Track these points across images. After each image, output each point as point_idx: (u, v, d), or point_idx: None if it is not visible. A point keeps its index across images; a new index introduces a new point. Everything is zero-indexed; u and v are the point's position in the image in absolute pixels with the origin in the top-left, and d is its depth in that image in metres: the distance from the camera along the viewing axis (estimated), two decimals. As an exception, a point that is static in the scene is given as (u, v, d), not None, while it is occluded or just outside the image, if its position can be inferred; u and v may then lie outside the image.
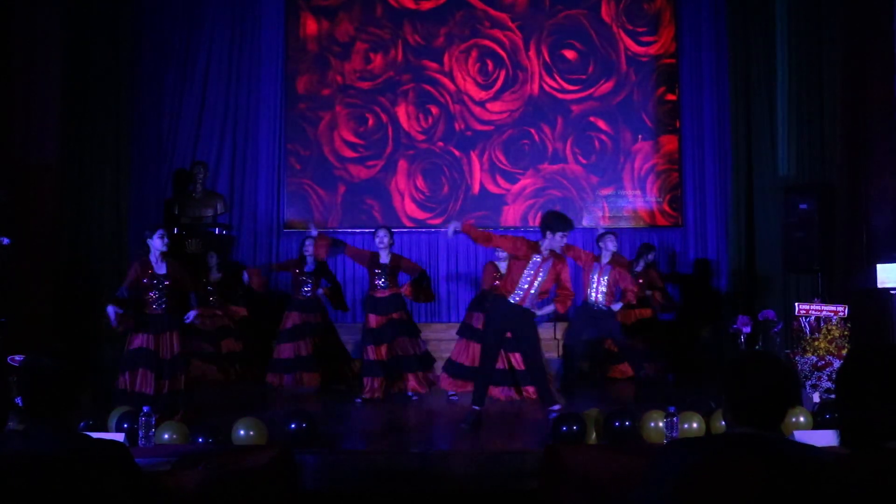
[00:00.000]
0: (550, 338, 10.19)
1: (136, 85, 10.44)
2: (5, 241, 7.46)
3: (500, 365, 8.14)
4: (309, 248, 9.30)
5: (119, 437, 4.95)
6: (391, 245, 8.58)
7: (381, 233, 8.53)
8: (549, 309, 7.15)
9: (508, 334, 7.16)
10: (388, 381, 8.41)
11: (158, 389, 6.84)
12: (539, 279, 6.89)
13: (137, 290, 6.98)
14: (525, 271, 6.89)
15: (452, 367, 8.69)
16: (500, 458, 5.75)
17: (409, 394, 8.46)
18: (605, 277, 8.78)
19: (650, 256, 10.01)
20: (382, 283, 8.50)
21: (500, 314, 7.00)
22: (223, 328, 10.10)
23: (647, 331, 9.81)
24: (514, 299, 6.90)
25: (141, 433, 5.00)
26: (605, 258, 8.91)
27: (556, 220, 6.88)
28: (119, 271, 9.73)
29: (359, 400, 8.21)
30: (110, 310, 6.77)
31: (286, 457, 4.47)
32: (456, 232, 7.15)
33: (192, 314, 7.11)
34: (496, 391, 8.30)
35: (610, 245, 8.97)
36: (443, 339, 10.82)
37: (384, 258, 8.55)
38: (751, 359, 2.62)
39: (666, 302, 10.31)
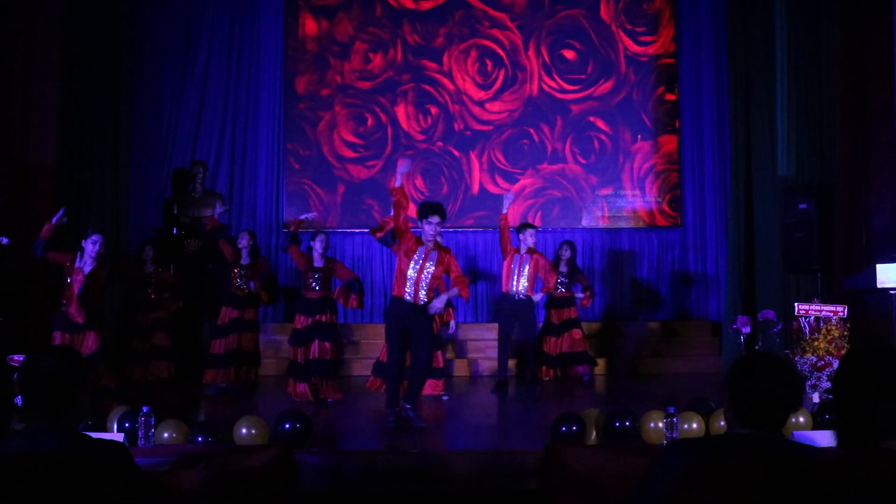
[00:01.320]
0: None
1: (135, 84, 10.44)
2: (4, 240, 7.47)
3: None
4: (243, 241, 9.24)
5: (119, 437, 4.95)
6: (326, 250, 8.69)
7: (321, 237, 8.69)
8: (443, 298, 7.09)
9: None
10: (311, 384, 8.38)
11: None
12: (427, 270, 6.87)
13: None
14: (412, 263, 6.88)
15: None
16: (500, 458, 5.74)
17: (329, 400, 8.37)
18: (526, 267, 9.13)
19: (566, 254, 10.03)
20: (316, 285, 8.57)
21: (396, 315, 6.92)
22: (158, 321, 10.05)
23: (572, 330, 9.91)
24: (408, 297, 6.84)
25: (140, 433, 5.00)
26: (524, 249, 9.22)
27: (421, 208, 7.01)
28: (118, 269, 9.75)
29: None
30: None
31: (286, 456, 4.47)
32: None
33: None
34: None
35: (529, 239, 9.27)
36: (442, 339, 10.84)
37: (318, 262, 8.60)
38: (756, 360, 2.62)
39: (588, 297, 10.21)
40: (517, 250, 9.22)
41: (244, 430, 5.67)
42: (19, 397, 2.83)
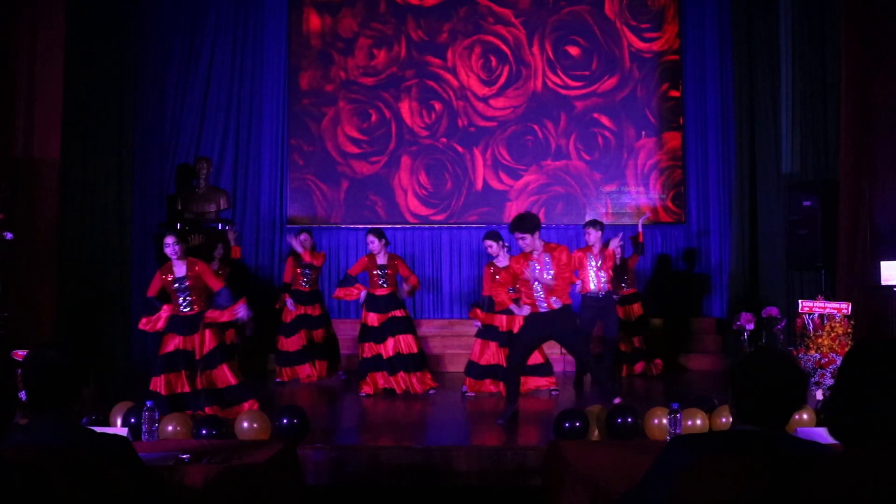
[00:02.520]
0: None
1: (139, 79, 10.43)
2: (8, 235, 7.47)
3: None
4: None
5: (122, 431, 4.95)
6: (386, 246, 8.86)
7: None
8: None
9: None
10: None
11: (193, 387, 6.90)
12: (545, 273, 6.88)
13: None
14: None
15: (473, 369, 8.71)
16: (503, 454, 5.75)
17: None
18: (601, 264, 8.87)
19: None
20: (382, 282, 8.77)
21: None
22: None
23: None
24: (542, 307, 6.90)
25: (144, 427, 5.00)
26: (597, 247, 8.92)
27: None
28: (122, 266, 9.78)
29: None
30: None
31: (289, 452, 4.47)
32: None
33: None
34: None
35: (594, 235, 8.92)
36: (445, 336, 10.86)
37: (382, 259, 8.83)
38: (760, 357, 2.62)
39: None
40: (589, 248, 8.92)
41: (246, 425, 5.68)
42: (23, 392, 2.84)
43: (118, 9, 9.86)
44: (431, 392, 8.60)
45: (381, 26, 12.17)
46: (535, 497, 4.92)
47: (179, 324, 6.96)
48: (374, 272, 8.70)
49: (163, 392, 6.78)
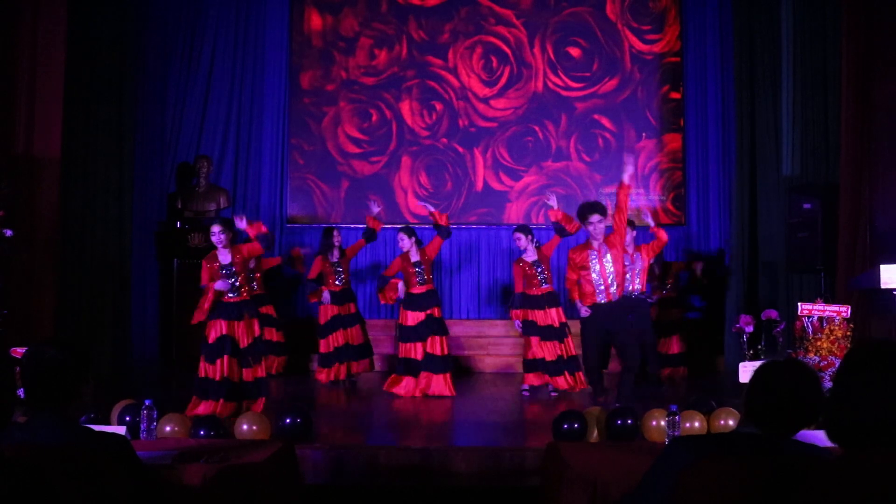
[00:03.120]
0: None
1: (140, 78, 10.42)
2: (8, 233, 7.46)
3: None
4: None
5: (121, 429, 4.95)
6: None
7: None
8: None
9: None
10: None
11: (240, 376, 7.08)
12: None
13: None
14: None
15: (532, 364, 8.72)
16: (501, 455, 5.75)
17: None
18: (637, 264, 8.69)
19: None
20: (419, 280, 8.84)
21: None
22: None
23: None
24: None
25: (143, 426, 5.00)
26: (632, 247, 8.81)
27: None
28: (121, 263, 9.77)
29: None
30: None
31: (288, 451, 4.47)
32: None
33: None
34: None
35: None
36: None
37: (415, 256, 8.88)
38: (788, 367, 2.62)
39: None
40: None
41: (245, 426, 5.67)
42: (21, 390, 2.83)
43: (119, 7, 9.85)
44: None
45: (382, 26, 12.17)
46: (533, 498, 4.92)
47: (225, 310, 7.11)
48: (411, 270, 8.70)
49: (216, 378, 6.98)
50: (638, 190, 11.91)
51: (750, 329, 7.72)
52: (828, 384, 6.62)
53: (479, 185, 12.03)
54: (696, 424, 5.68)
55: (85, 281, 9.32)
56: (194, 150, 11.61)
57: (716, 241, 11.67)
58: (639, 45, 12.07)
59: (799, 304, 7.50)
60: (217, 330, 7.07)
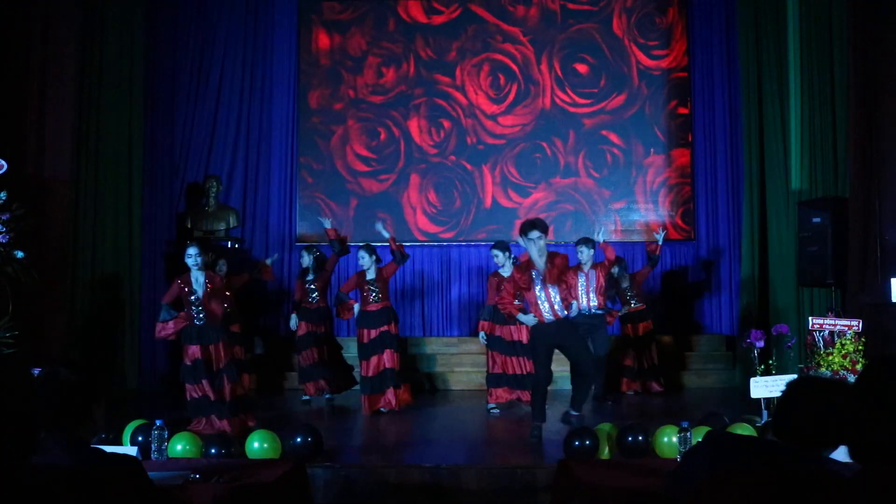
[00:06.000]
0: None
1: (149, 99, 10.48)
2: (19, 254, 7.50)
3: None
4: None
5: (132, 450, 4.96)
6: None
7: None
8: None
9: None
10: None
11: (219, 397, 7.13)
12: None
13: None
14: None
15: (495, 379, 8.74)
16: (512, 473, 5.73)
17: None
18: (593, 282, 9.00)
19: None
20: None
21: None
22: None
23: None
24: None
25: (154, 446, 5.00)
26: (588, 265, 9.09)
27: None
28: (131, 284, 9.80)
29: None
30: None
31: (299, 471, 4.47)
32: None
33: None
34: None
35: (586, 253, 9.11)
36: (453, 353, 10.82)
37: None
38: (831, 385, 2.61)
39: None
40: (579, 267, 9.04)
41: (256, 445, 5.68)
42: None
43: (129, 29, 9.93)
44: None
45: (389, 45, 12.22)
46: (544, 516, 4.90)
47: (195, 333, 7.16)
48: (366, 288, 8.68)
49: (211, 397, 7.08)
50: (647, 205, 11.91)
51: (761, 344, 7.69)
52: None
53: (488, 202, 12.04)
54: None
55: (95, 301, 9.35)
56: (203, 170, 11.67)
57: (725, 256, 11.65)
58: (646, 61, 12.10)
59: (810, 318, 7.48)
60: (192, 353, 7.16)
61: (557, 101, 12.10)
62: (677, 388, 10.09)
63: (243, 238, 11.69)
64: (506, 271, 8.66)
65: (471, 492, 5.65)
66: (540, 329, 6.98)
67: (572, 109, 12.08)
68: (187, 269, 7.24)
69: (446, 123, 12.12)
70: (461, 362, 10.68)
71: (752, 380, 6.67)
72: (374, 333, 8.54)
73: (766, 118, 10.45)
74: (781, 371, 7.50)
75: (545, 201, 11.98)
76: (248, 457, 5.59)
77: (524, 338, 8.52)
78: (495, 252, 8.84)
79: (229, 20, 11.93)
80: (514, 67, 12.16)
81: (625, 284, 9.85)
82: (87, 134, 9.30)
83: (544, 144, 12.06)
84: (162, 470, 4.17)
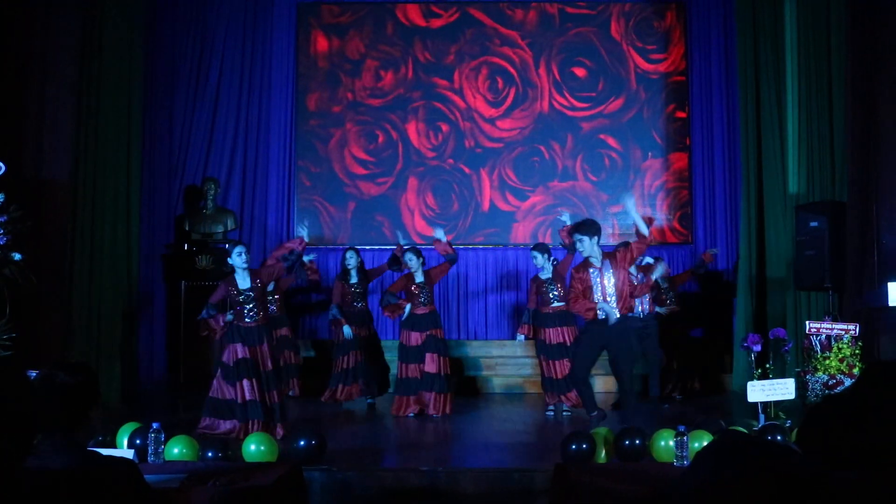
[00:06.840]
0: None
1: (148, 101, 10.49)
2: (17, 256, 7.50)
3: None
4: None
5: (128, 453, 4.95)
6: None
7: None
8: None
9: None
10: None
11: (262, 399, 7.08)
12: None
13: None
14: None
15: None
16: (510, 477, 5.73)
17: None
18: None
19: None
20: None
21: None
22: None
23: None
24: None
25: (150, 449, 4.99)
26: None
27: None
28: (129, 286, 9.79)
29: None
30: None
31: (296, 474, 4.47)
32: None
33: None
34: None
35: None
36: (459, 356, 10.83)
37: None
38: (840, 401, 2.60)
39: None
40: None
41: (253, 447, 5.67)
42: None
43: (127, 33, 9.92)
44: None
45: (388, 48, 12.23)
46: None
47: (243, 333, 7.15)
48: (415, 291, 8.76)
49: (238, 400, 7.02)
50: (645, 209, 11.91)
51: (758, 348, 7.69)
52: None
53: (486, 205, 12.04)
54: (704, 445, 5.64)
55: (93, 303, 9.33)
56: (201, 173, 11.66)
57: (723, 260, 11.66)
58: (644, 65, 12.11)
59: (807, 322, 7.49)
60: (234, 353, 7.11)
61: (555, 104, 12.11)
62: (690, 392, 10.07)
63: (241, 241, 11.67)
64: (545, 273, 8.76)
65: (468, 495, 5.65)
66: (593, 326, 6.96)
67: (570, 113, 12.09)
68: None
69: (444, 127, 12.13)
70: (462, 364, 10.68)
71: (750, 384, 6.67)
72: (420, 337, 8.55)
73: (763, 122, 10.45)
74: (778, 375, 7.50)
75: (543, 205, 11.99)
76: (245, 460, 5.58)
77: (567, 340, 8.61)
78: (534, 254, 8.97)
79: (228, 23, 11.92)
80: (513, 71, 12.17)
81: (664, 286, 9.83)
82: (86, 136, 9.30)
83: (542, 148, 12.07)
84: (158, 473, 4.17)
